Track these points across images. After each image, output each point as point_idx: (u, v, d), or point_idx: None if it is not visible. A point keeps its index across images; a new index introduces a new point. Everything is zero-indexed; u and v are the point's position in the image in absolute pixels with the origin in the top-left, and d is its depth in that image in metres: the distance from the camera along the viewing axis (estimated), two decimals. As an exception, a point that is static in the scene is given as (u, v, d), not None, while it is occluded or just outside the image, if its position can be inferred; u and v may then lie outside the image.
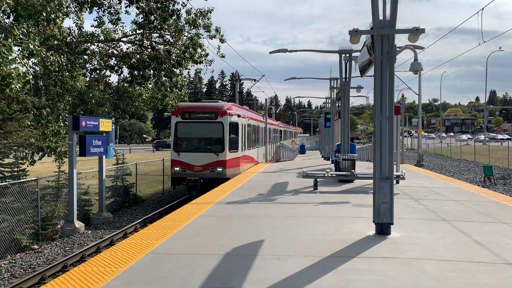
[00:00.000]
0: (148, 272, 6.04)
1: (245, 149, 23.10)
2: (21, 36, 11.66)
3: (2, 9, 14.53)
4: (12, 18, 14.90)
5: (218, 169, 19.43)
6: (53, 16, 18.40)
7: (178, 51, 25.47)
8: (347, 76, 18.31)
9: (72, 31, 23.00)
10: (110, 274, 5.93)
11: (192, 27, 25.61)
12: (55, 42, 20.42)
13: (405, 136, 45.85)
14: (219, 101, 27.16)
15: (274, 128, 40.50)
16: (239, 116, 21.64)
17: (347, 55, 18.26)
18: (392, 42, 8.11)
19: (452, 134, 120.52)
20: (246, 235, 8.14)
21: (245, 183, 16.25)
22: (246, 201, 12.13)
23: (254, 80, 38.10)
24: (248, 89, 44.46)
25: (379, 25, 8.06)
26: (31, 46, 11.70)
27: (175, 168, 19.69)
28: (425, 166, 33.86)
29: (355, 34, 8.44)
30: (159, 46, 25.83)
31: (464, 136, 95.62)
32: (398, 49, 10.77)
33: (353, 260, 6.63)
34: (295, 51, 18.77)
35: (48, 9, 14.87)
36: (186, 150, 19.88)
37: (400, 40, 27.86)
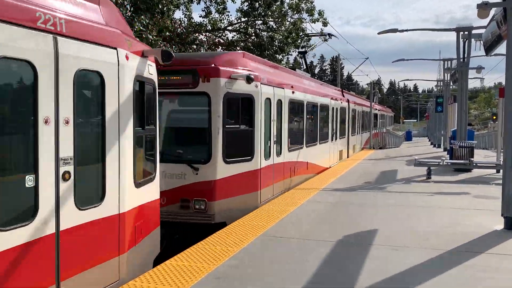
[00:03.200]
0: (262, 254, 6.14)
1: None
2: (141, 27, 12.58)
3: (125, 3, 15.76)
4: (132, 11, 16.13)
5: None
6: (165, 8, 19.49)
7: (281, 37, 25.54)
8: (465, 56, 16.73)
9: (182, 22, 24.24)
10: (227, 253, 6.13)
11: (295, 12, 25.46)
12: (167, 33, 21.65)
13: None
14: None
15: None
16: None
17: (466, 32, 16.65)
18: (531, 14, 7.12)
19: None
20: (357, 223, 7.89)
21: (350, 170, 15.84)
22: (353, 188, 11.79)
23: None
24: (349, 73, 43.23)
25: (514, -5, 7.12)
26: (150, 37, 12.53)
27: None
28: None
29: (484, 7, 7.58)
30: (262, 33, 26.14)
31: None
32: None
33: (480, 255, 6.05)
34: (406, 30, 17.60)
35: (164, 1, 15.81)
36: None
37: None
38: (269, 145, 9.87)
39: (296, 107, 12.21)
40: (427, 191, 11.23)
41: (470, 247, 6.46)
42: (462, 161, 14.64)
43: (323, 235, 7.08)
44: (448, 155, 18.21)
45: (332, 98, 16.98)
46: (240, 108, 8.69)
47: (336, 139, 17.80)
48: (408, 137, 48.89)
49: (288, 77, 12.16)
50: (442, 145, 27.24)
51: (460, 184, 12.49)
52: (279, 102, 10.49)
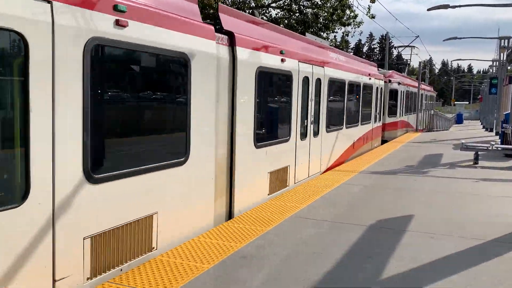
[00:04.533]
0: (290, 235, 6.07)
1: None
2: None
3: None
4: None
5: None
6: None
7: (325, 14, 24.87)
8: (524, 34, 15.51)
9: (225, -1, 24.03)
10: (255, 232, 6.11)
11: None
12: (211, 11, 21.54)
13: None
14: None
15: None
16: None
17: (526, 8, 15.39)
18: None
19: None
20: (393, 208, 7.63)
21: (392, 152, 15.34)
22: (393, 172, 11.42)
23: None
24: (398, 52, 41.31)
25: None
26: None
27: None
28: None
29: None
30: (307, 10, 25.55)
31: None
32: None
33: (523, 248, 5.67)
34: (458, 6, 16.54)
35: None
36: None
37: None
38: None
39: None
40: (472, 177, 10.68)
41: (513, 239, 6.08)
42: (513, 147, 13.80)
43: (356, 219, 6.90)
44: (499, 140, 17.22)
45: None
46: None
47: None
48: (459, 119, 46.69)
49: None
50: (494, 129, 25.83)
51: (510, 171, 11.78)
52: None
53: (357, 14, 26.63)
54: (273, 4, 25.65)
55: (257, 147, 7.48)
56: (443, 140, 21.06)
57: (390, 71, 20.57)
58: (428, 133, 26.48)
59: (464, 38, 24.84)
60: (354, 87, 13.27)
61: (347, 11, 25.23)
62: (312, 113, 9.96)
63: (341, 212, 7.36)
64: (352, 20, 26.09)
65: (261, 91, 7.49)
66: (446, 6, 16.47)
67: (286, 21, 25.68)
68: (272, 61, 7.84)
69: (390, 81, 19.54)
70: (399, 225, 6.65)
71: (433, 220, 6.94)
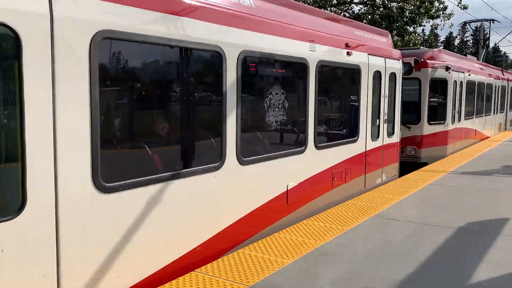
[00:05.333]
0: (373, 235, 6.00)
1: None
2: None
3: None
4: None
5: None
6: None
7: (412, 7, 23.86)
8: None
9: (307, -3, 24.03)
10: (336, 231, 6.13)
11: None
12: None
13: None
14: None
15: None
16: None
17: None
18: None
19: None
20: (485, 211, 7.18)
21: (486, 152, 14.32)
22: (486, 172, 10.68)
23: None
24: (496, 43, 38.19)
25: None
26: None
27: None
28: None
29: None
30: (391, 4, 24.70)
31: None
32: None
33: None
34: None
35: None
36: None
37: None
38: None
39: None
40: None
41: None
42: None
43: (443, 221, 6.62)
44: None
45: None
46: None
47: None
48: None
49: None
50: None
51: None
52: None
53: (447, 5, 25.13)
54: (356, 0, 25.15)
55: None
56: (547, 138, 19.17)
57: (436, 49, 13.87)
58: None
59: None
60: (289, 69, 6.69)
61: (436, 3, 23.98)
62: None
63: (428, 213, 7.09)
64: (441, 12, 24.76)
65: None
66: (550, -9, 14.87)
67: (369, 16, 25.06)
68: None
69: (417, 61, 11.85)
70: (491, 228, 6.26)
71: (531, 224, 6.43)
